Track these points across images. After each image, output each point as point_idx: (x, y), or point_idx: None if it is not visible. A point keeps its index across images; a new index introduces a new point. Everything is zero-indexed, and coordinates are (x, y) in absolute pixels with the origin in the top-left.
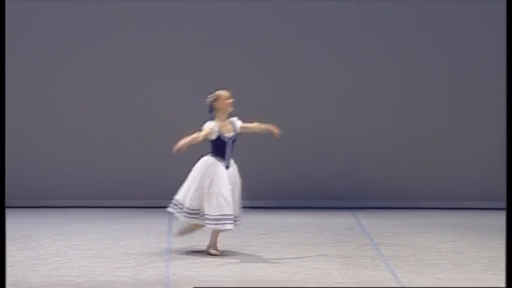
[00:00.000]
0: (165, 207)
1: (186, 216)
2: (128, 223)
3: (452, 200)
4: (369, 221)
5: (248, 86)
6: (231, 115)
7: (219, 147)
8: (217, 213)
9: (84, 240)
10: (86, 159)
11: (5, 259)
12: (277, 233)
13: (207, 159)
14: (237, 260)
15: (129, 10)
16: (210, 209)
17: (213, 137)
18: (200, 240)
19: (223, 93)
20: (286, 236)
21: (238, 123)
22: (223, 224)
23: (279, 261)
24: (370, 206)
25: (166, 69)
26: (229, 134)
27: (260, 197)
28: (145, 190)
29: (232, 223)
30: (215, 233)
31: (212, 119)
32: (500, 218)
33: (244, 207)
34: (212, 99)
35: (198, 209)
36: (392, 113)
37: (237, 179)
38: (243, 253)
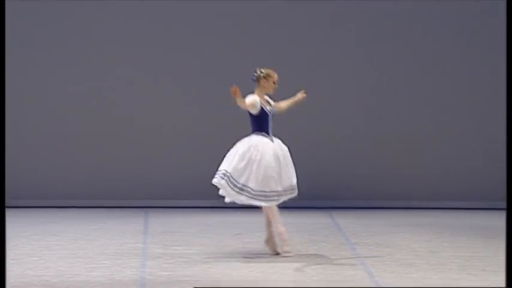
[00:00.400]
0: (141, 207)
1: (234, 190)
2: (104, 223)
3: (427, 200)
4: (345, 220)
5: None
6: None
7: (262, 120)
8: (262, 189)
9: (59, 240)
10: (60, 159)
11: (5, 259)
12: (253, 233)
13: (252, 137)
14: (213, 260)
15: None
16: (257, 184)
17: (256, 109)
18: (175, 240)
19: (273, 75)
20: (262, 235)
21: (273, 103)
22: (270, 200)
23: (255, 261)
24: (346, 206)
25: (152, 69)
26: (269, 107)
27: None
28: (121, 190)
29: (278, 200)
30: (269, 210)
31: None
32: (474, 217)
33: (220, 207)
34: (262, 75)
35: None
36: (366, 114)
37: (285, 149)
38: (219, 253)
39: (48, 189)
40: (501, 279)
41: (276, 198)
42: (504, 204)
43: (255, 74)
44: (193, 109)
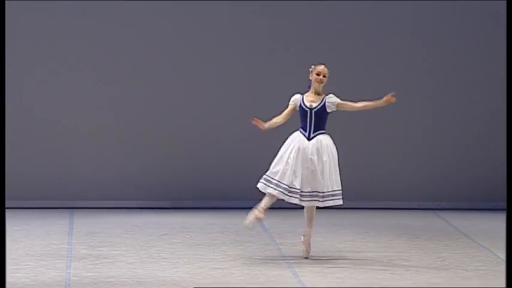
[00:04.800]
0: (66, 207)
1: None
2: (28, 224)
3: (351, 200)
4: (271, 220)
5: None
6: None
7: (301, 117)
8: (268, 173)
9: None
10: None
11: (5, 259)
12: (179, 234)
13: (293, 134)
14: (139, 261)
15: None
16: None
17: (297, 107)
18: (100, 241)
19: (317, 67)
20: (188, 236)
21: (333, 99)
22: (265, 184)
23: (181, 261)
24: (273, 207)
25: (75, 66)
26: (311, 104)
27: (162, 197)
28: (45, 190)
29: (276, 189)
30: (266, 196)
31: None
32: (399, 217)
33: (145, 208)
34: (310, 71)
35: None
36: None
37: (322, 153)
38: (144, 254)
39: None
40: (424, 278)
41: (288, 193)
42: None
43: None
44: (120, 108)
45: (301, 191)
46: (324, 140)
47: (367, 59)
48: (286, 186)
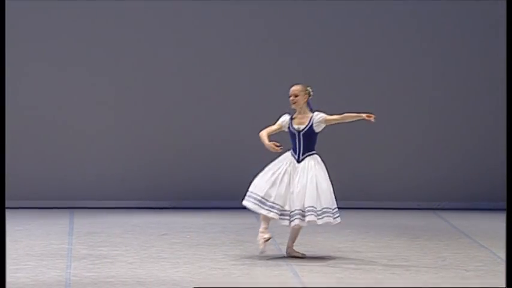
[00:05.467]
0: (66, 207)
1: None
2: (28, 224)
3: (351, 200)
4: (271, 220)
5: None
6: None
7: (291, 139)
8: (260, 193)
9: None
10: None
11: (5, 259)
12: (179, 233)
13: (286, 154)
14: (139, 261)
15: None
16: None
17: (285, 128)
18: (100, 241)
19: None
20: (188, 236)
21: (318, 117)
22: (246, 199)
23: (181, 261)
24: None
25: (82, 69)
26: (299, 126)
27: (162, 197)
28: (46, 190)
29: (254, 203)
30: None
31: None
32: (400, 217)
33: (146, 208)
34: None
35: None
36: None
37: (309, 174)
38: (144, 253)
39: None
40: (425, 278)
41: (260, 204)
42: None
43: None
44: (120, 109)
45: (290, 212)
46: (312, 160)
47: (367, 59)
48: (280, 207)
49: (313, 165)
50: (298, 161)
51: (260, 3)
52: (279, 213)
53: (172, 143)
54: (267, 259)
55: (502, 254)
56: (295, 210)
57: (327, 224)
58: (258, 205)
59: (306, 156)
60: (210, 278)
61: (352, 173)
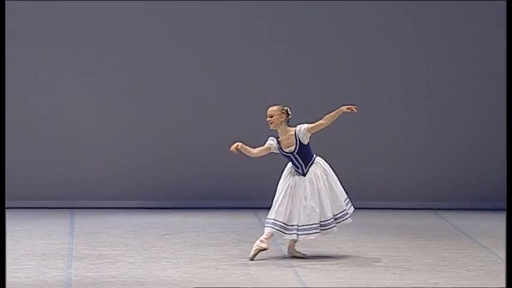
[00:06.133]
0: (67, 207)
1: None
2: (29, 224)
3: (352, 200)
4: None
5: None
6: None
7: (286, 159)
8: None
9: None
10: None
11: (5, 259)
12: (180, 234)
13: (288, 167)
14: (139, 261)
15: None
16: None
17: (275, 150)
18: (101, 241)
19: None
20: (189, 236)
21: (301, 130)
22: (266, 225)
23: (182, 261)
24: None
25: (80, 71)
26: (289, 148)
27: (163, 197)
28: (46, 190)
29: (271, 227)
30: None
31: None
32: (400, 217)
33: (146, 208)
34: None
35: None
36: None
37: (318, 185)
38: (145, 253)
39: None
40: (425, 278)
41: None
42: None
43: None
44: (120, 109)
45: (298, 226)
46: (317, 169)
47: (367, 60)
48: (283, 224)
49: (319, 175)
50: (304, 174)
51: (260, 4)
52: (282, 229)
53: (173, 143)
54: (268, 259)
55: (503, 254)
56: (313, 224)
57: (346, 224)
58: (282, 232)
59: (310, 167)
60: (210, 278)
61: (353, 173)
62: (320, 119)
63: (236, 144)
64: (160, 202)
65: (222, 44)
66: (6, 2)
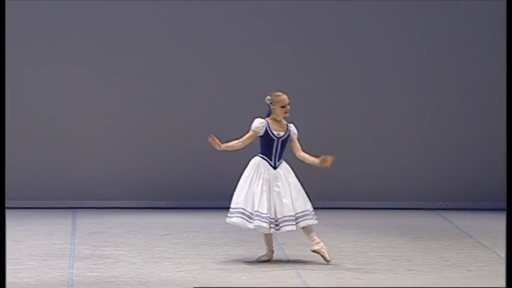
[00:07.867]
0: (69, 207)
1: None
2: (30, 224)
3: (353, 200)
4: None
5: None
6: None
7: (266, 145)
8: (232, 205)
9: None
10: None
11: (5, 259)
12: (181, 233)
13: (256, 160)
14: (141, 261)
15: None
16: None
17: (261, 132)
18: (103, 241)
19: (280, 99)
20: (191, 236)
21: (295, 131)
22: (230, 216)
23: (184, 261)
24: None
25: (82, 70)
26: (278, 133)
27: (164, 197)
28: (48, 190)
29: (241, 217)
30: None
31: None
32: (402, 218)
33: (148, 208)
34: (269, 102)
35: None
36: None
37: (289, 181)
38: (147, 253)
39: None
40: (427, 278)
41: (248, 219)
42: (429, 205)
43: (266, 101)
44: (121, 109)
45: (276, 219)
46: (286, 166)
47: (367, 60)
48: (268, 217)
49: (289, 170)
50: (275, 168)
51: (261, 4)
52: (269, 222)
53: (175, 143)
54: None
55: (505, 254)
56: (286, 216)
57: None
58: (247, 220)
59: (281, 163)
60: (212, 278)
61: (354, 173)
62: (302, 149)
63: (210, 136)
64: (162, 202)
65: (222, 45)
66: (7, 2)
